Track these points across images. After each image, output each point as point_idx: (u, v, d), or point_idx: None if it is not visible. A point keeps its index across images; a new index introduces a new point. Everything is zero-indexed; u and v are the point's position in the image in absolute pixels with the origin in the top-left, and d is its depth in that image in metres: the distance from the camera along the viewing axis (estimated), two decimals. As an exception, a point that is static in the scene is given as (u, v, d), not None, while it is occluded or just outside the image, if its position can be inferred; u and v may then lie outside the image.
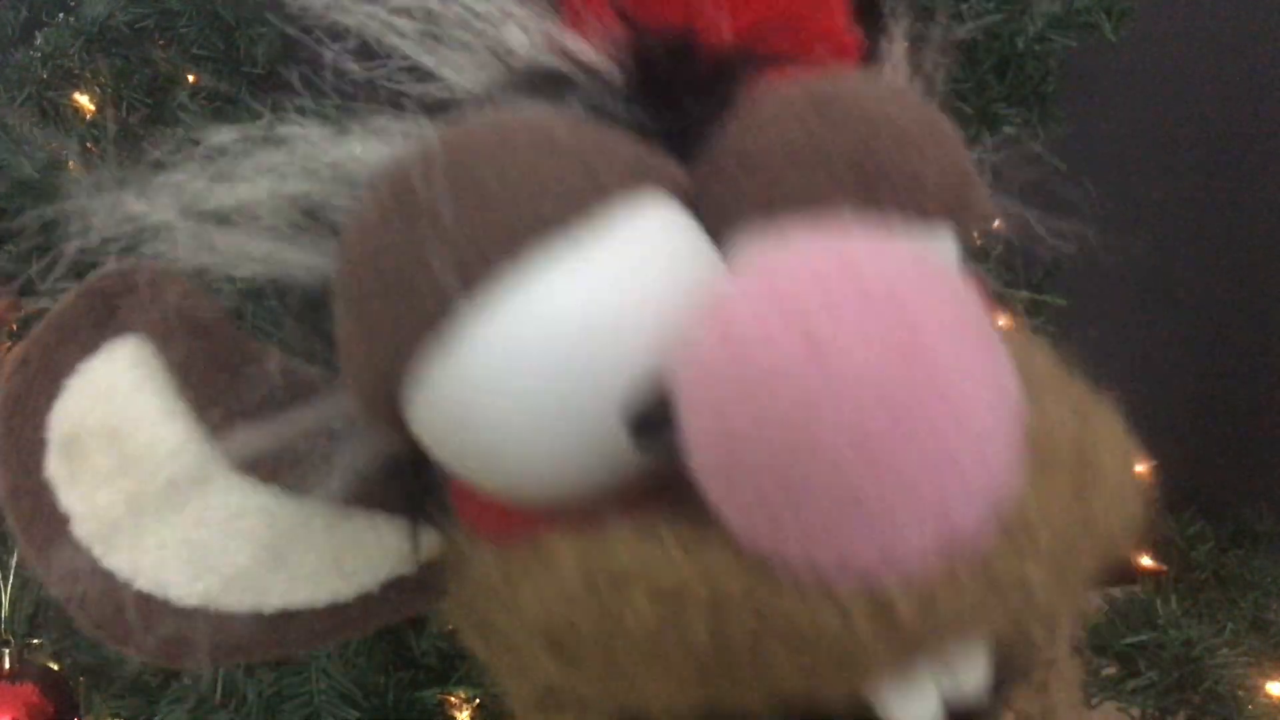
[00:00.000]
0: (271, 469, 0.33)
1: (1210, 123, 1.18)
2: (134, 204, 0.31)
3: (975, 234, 0.33)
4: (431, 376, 0.27)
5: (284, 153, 0.31)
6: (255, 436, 0.32)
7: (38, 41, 0.94)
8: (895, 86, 0.32)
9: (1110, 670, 0.83)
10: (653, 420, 0.26)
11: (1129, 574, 1.00)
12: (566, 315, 0.26)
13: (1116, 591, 0.91)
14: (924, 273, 0.24)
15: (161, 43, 0.94)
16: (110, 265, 0.33)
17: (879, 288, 0.23)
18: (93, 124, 0.91)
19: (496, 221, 0.26)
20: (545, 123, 0.28)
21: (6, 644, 0.82)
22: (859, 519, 0.23)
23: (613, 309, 0.26)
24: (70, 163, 0.88)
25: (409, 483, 0.33)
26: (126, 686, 0.82)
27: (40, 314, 0.33)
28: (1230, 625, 0.88)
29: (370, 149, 0.30)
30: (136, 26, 0.92)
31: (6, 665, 0.81)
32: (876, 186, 0.28)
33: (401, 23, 0.32)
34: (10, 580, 0.82)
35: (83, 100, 0.92)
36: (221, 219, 0.31)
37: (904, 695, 0.26)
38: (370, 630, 0.37)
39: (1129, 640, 0.84)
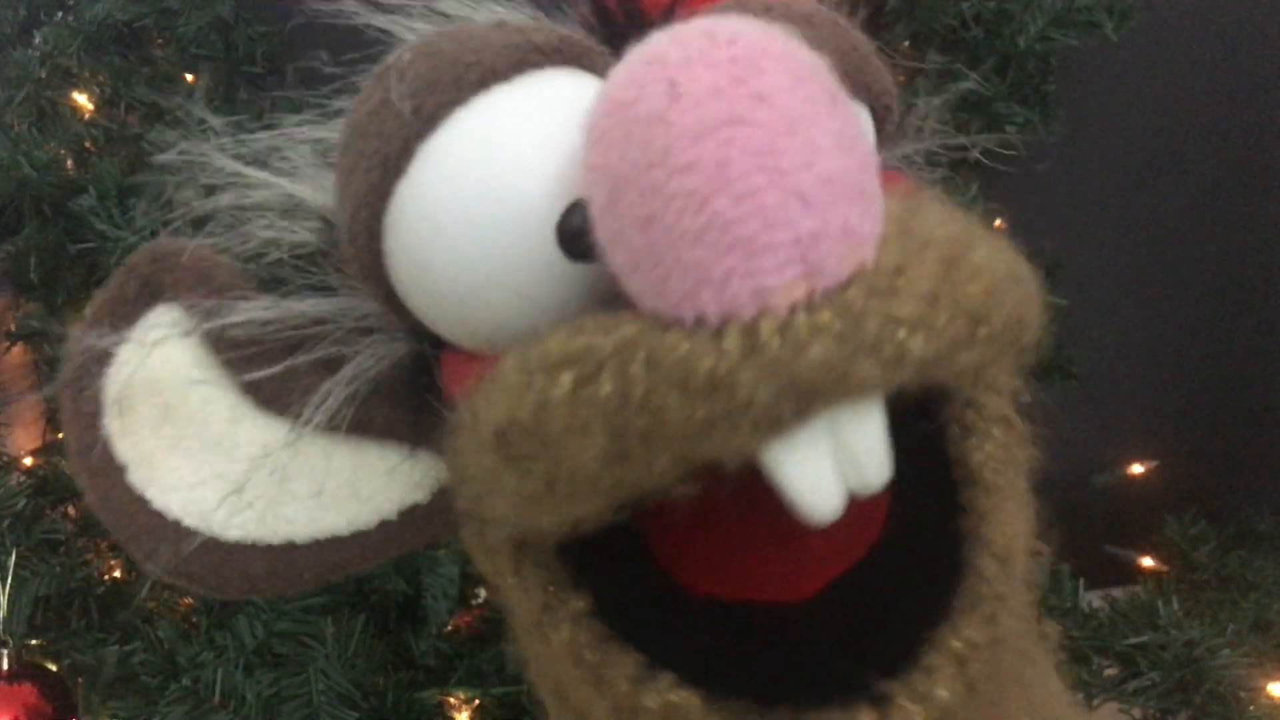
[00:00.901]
0: (288, 403, 0.37)
1: (1212, 121, 1.18)
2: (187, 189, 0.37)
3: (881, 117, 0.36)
4: (397, 210, 0.32)
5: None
6: (272, 370, 0.36)
7: (36, 41, 0.94)
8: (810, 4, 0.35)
9: (1112, 671, 0.84)
10: (579, 230, 0.30)
11: (1130, 574, 1.00)
12: (502, 144, 0.31)
13: (1118, 592, 0.91)
14: (781, 42, 0.27)
15: (160, 42, 0.94)
16: (149, 245, 0.38)
17: (736, 49, 0.26)
18: (91, 123, 0.91)
19: (446, 71, 0.31)
20: (501, 21, 0.34)
21: (5, 645, 0.82)
22: (729, 251, 0.25)
23: (542, 138, 0.31)
24: (69, 162, 0.88)
25: (408, 410, 0.37)
26: (124, 687, 0.82)
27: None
28: (1232, 626, 0.88)
29: None
30: (135, 26, 0.92)
31: (5, 666, 0.81)
32: None
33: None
34: (9, 581, 0.82)
35: (81, 100, 0.92)
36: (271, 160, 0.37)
37: (794, 456, 0.27)
38: (393, 555, 0.40)
39: (1130, 641, 0.84)
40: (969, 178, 0.78)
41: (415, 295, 0.33)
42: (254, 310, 0.37)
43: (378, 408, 0.37)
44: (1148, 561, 1.00)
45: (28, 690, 0.81)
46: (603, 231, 0.27)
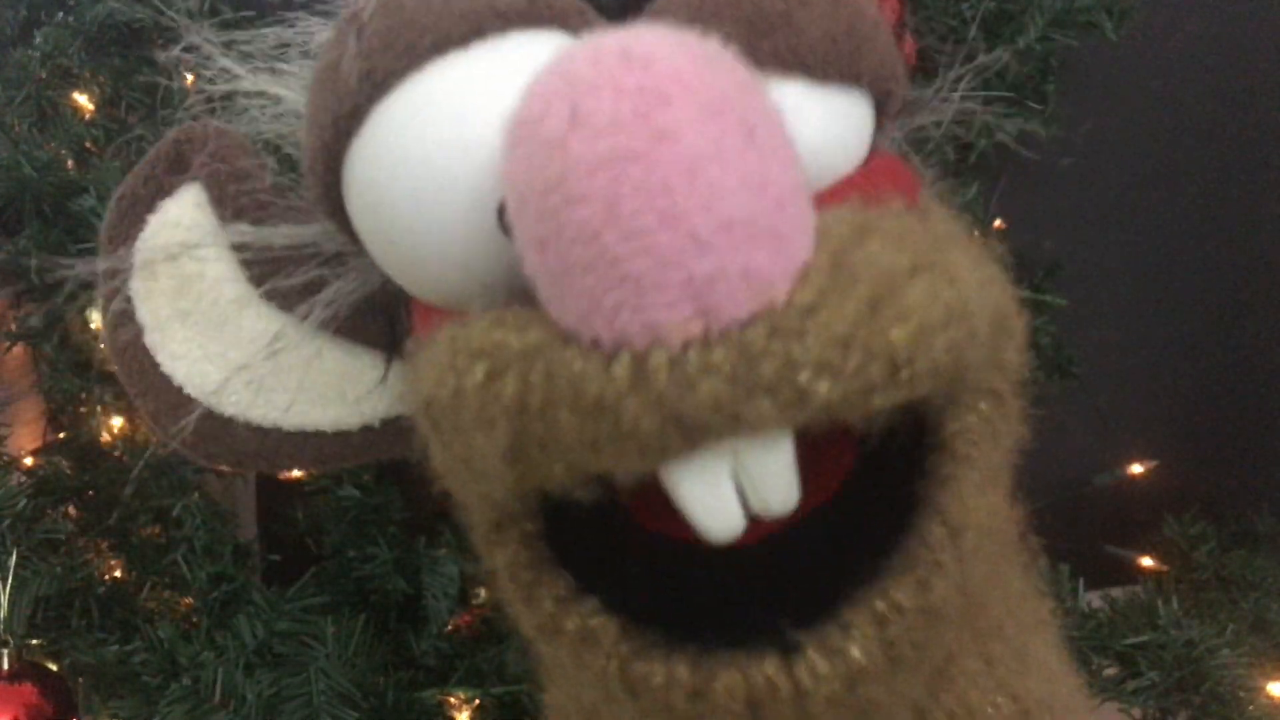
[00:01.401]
0: (288, 298, 0.39)
1: (1212, 121, 1.18)
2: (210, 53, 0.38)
3: (892, 102, 0.35)
4: (352, 167, 0.32)
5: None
6: (276, 267, 0.39)
7: (37, 41, 0.94)
8: None
9: (1111, 671, 0.83)
10: None
11: (1130, 574, 1.00)
12: (449, 119, 0.30)
13: (1118, 592, 0.91)
14: (701, 65, 0.26)
15: (161, 43, 0.94)
16: (181, 128, 0.41)
17: (646, 75, 0.25)
18: (92, 124, 0.90)
19: (401, 34, 0.30)
20: None
21: (5, 644, 0.82)
22: (618, 286, 0.25)
23: (490, 113, 0.30)
24: (69, 162, 0.88)
25: (387, 314, 0.39)
26: (125, 686, 0.82)
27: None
28: (1232, 626, 0.88)
29: None
30: (135, 26, 0.92)
31: (5, 665, 0.81)
32: (760, 36, 0.31)
33: None
34: (9, 581, 0.82)
35: (82, 100, 0.92)
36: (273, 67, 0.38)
37: (693, 480, 0.27)
38: (372, 458, 0.42)
39: (1130, 641, 0.84)
40: (969, 177, 0.78)
41: (370, 248, 0.34)
42: (263, 231, 0.39)
43: (371, 317, 0.39)
44: (1147, 561, 1.00)
45: (28, 690, 0.81)
46: (514, 236, 0.27)
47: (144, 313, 0.41)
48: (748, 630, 0.29)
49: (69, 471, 0.90)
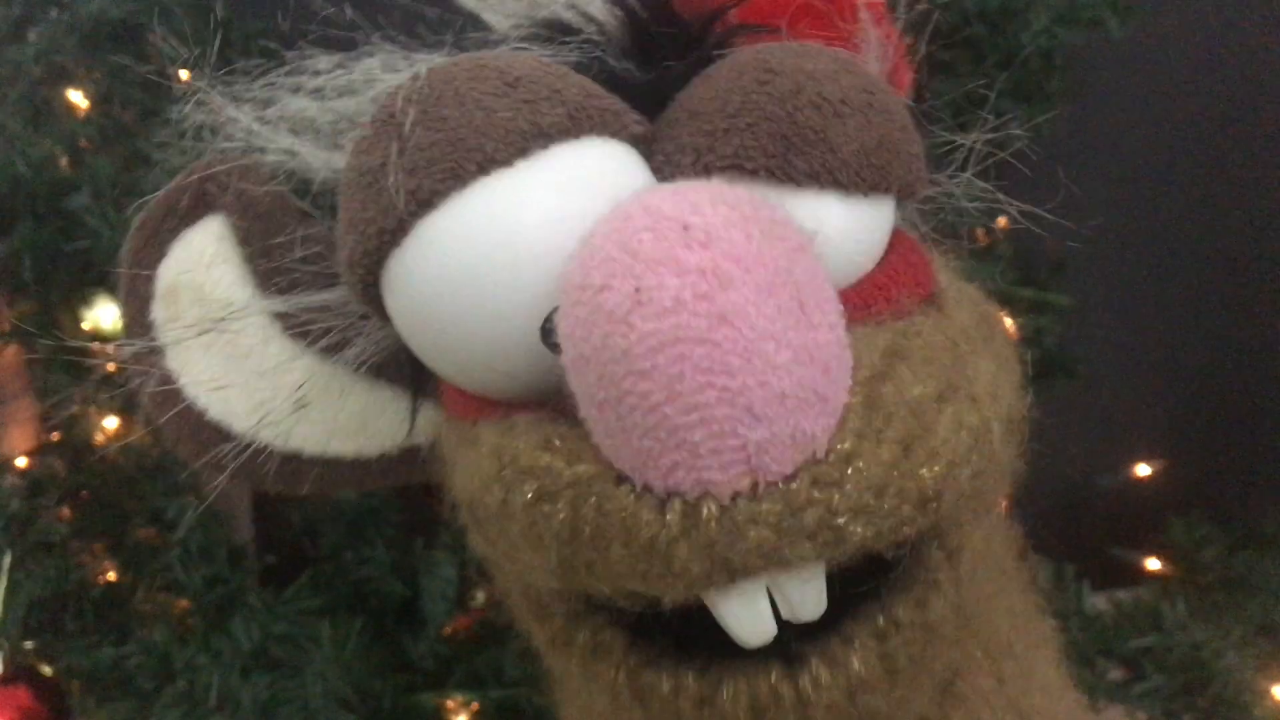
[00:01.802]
0: (312, 335, 0.40)
1: (1217, 120, 1.17)
2: (226, 110, 0.39)
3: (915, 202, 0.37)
4: (393, 275, 0.33)
5: (343, 77, 0.37)
6: (299, 304, 0.40)
7: (31, 38, 0.93)
8: (849, 64, 0.34)
9: (1116, 674, 0.83)
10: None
11: (1136, 576, 0.99)
12: (495, 239, 0.31)
13: (1123, 594, 0.91)
14: (759, 240, 0.27)
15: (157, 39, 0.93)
16: (208, 156, 0.41)
17: (706, 255, 0.26)
18: (86, 121, 0.90)
19: (445, 153, 0.31)
20: (515, 65, 0.33)
21: (0, 647, 0.81)
22: (674, 449, 0.27)
23: (537, 235, 0.31)
24: (63, 160, 0.88)
25: (413, 366, 0.39)
26: (119, 690, 0.81)
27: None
28: (1238, 628, 0.87)
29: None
30: (131, 23, 0.91)
31: (0, 668, 0.81)
32: (795, 153, 0.32)
33: None
34: (4, 583, 0.82)
35: (76, 98, 0.92)
36: (293, 126, 0.38)
37: (731, 603, 0.29)
38: (386, 484, 0.44)
39: (1136, 644, 0.83)
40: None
41: (409, 344, 0.35)
42: (294, 299, 0.40)
43: (395, 357, 0.40)
44: (1153, 563, 1.00)
45: (22, 693, 0.81)
46: (570, 379, 0.29)
47: (165, 337, 0.42)
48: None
49: (63, 473, 0.89)
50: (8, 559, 0.82)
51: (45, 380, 0.89)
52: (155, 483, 0.87)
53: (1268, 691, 0.84)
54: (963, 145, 0.39)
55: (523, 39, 0.37)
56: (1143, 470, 1.13)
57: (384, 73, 0.37)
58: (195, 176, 0.42)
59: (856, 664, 0.30)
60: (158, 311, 0.42)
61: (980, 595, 0.35)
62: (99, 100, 0.92)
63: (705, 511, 0.27)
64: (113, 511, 0.88)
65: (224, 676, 0.79)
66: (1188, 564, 0.97)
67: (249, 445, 0.41)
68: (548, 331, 0.30)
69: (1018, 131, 0.40)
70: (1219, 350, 1.23)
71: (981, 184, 0.39)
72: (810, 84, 0.32)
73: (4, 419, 0.94)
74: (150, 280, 0.41)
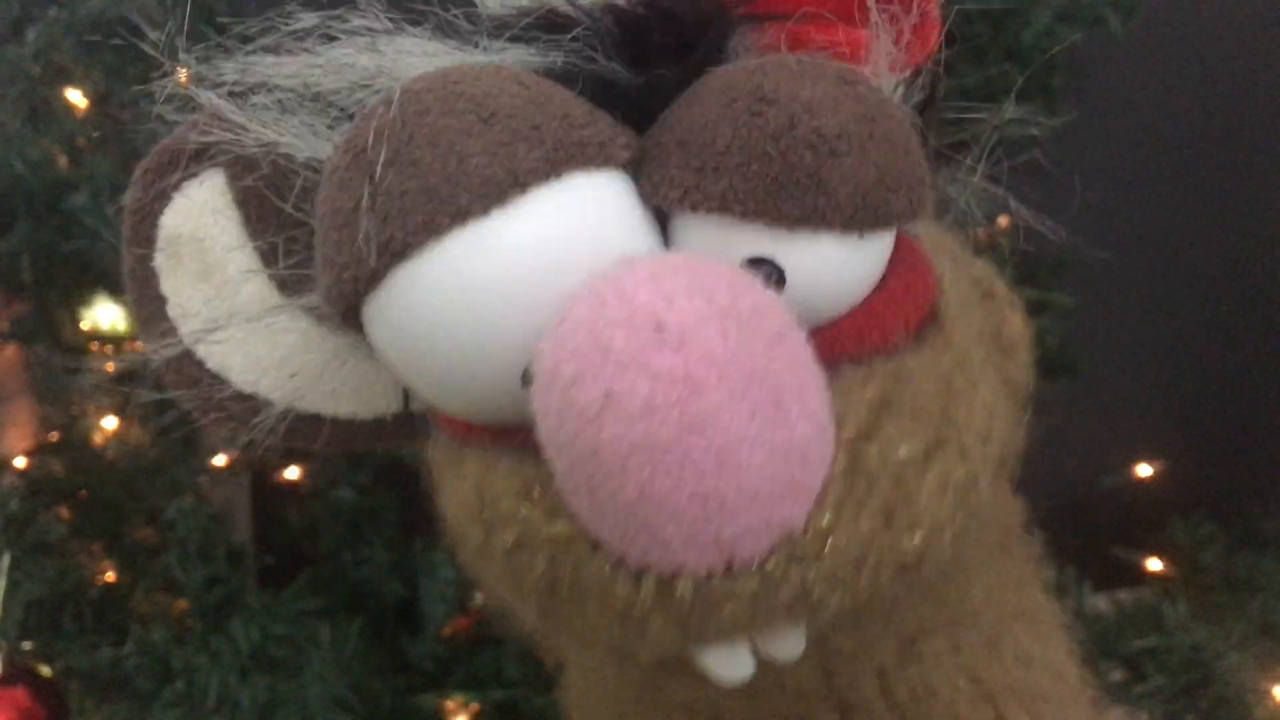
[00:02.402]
0: (306, 300, 0.40)
1: (1219, 118, 1.17)
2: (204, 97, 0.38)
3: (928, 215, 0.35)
4: (370, 315, 0.32)
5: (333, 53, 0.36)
6: (293, 268, 0.39)
7: (29, 37, 0.93)
8: (851, 85, 0.33)
9: (1118, 675, 0.83)
10: None
11: (1137, 577, 0.99)
12: (472, 289, 0.30)
13: (1124, 595, 0.91)
14: (734, 338, 0.27)
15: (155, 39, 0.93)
16: (195, 117, 0.40)
17: (679, 359, 0.26)
18: (85, 121, 0.90)
19: (421, 205, 0.30)
20: (491, 94, 0.32)
21: (-2, 648, 0.81)
22: (645, 539, 0.27)
23: (515, 284, 0.30)
24: (61, 160, 0.88)
25: None
26: (118, 691, 0.81)
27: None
28: (1239, 629, 0.87)
29: (399, 63, 0.35)
30: (130, 21, 0.91)
31: (-2, 669, 0.81)
32: (786, 198, 0.30)
33: None
34: (2, 584, 0.82)
35: (75, 97, 0.92)
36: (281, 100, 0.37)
37: (709, 654, 0.31)
38: (378, 446, 0.44)
39: (1137, 644, 0.83)
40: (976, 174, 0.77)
41: (390, 367, 0.35)
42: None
43: None
44: (1154, 564, 1.00)
45: (20, 693, 0.81)
46: (545, 448, 0.29)
47: (167, 286, 0.42)
48: None
49: (61, 473, 0.89)
50: (6, 559, 0.82)
51: (44, 380, 0.89)
52: (154, 483, 0.87)
53: (1269, 692, 0.84)
54: (967, 145, 0.38)
55: (509, 39, 0.35)
56: (1144, 471, 1.12)
57: (361, 56, 0.35)
58: (198, 129, 0.41)
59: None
60: (159, 260, 0.41)
61: (957, 566, 0.34)
62: (97, 100, 0.91)
63: (679, 589, 0.28)
64: (111, 512, 0.88)
65: (223, 677, 0.79)
66: (1189, 564, 0.97)
67: (257, 401, 0.42)
68: (529, 379, 0.30)
69: (1031, 131, 0.40)
70: (1221, 350, 1.23)
71: (984, 184, 0.39)
72: (805, 117, 0.31)
73: (2, 419, 0.94)
74: (154, 227, 0.41)
